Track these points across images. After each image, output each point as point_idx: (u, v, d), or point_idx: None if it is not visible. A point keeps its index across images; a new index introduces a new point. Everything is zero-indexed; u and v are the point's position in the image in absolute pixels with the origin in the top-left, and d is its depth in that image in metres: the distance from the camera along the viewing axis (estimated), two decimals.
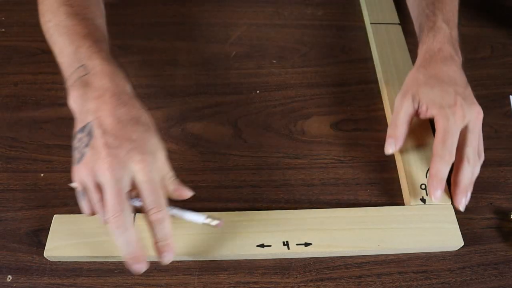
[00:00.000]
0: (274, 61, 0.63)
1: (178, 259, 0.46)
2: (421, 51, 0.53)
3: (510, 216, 0.49)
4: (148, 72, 0.61)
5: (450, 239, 0.46)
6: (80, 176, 0.40)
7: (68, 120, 0.56)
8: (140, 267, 0.41)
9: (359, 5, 0.71)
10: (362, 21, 0.69)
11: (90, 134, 0.40)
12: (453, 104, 0.47)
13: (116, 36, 0.65)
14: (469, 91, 0.49)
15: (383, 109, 0.58)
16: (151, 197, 0.40)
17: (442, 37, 0.52)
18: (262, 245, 0.46)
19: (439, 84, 0.49)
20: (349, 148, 0.55)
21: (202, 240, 0.46)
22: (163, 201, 0.41)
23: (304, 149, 0.55)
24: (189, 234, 0.46)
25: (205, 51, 0.64)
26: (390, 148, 0.50)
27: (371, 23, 0.66)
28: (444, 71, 0.50)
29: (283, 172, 0.53)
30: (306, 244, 0.46)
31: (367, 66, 0.63)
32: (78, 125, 0.42)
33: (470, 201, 0.49)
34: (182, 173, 0.52)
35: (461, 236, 0.46)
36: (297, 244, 0.46)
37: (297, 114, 0.58)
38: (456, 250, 0.47)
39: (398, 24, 0.65)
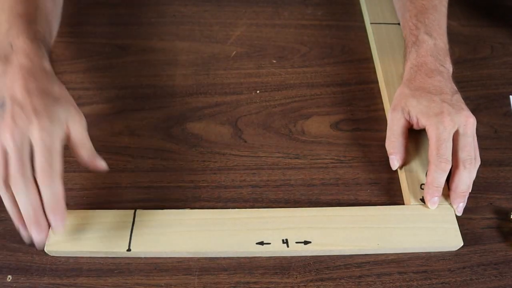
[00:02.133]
0: (274, 61, 0.63)
1: (177, 256, 0.46)
2: (406, 68, 0.54)
3: (510, 216, 0.49)
4: (148, 72, 0.61)
5: (450, 239, 0.46)
6: None
7: None
8: (40, 237, 0.42)
9: (359, 5, 0.71)
10: (362, 21, 0.69)
11: (3, 106, 0.43)
12: (440, 112, 0.48)
13: (116, 36, 0.66)
14: (457, 98, 0.50)
15: (383, 109, 0.58)
16: (42, 158, 0.41)
17: (425, 51, 0.53)
18: (261, 243, 0.46)
19: (425, 95, 0.50)
20: (349, 148, 0.55)
21: (201, 237, 0.46)
22: (58, 167, 0.42)
23: (304, 149, 0.55)
24: (188, 231, 0.46)
25: (205, 51, 0.64)
26: (394, 164, 0.51)
27: (371, 23, 0.66)
28: (429, 83, 0.51)
29: (283, 172, 0.53)
30: (306, 242, 0.46)
31: (367, 66, 0.63)
32: None
33: (470, 201, 0.49)
34: (182, 173, 0.52)
35: (461, 236, 0.46)
36: (296, 242, 0.46)
37: (297, 114, 0.58)
38: (456, 250, 0.47)
39: (398, 24, 0.65)
